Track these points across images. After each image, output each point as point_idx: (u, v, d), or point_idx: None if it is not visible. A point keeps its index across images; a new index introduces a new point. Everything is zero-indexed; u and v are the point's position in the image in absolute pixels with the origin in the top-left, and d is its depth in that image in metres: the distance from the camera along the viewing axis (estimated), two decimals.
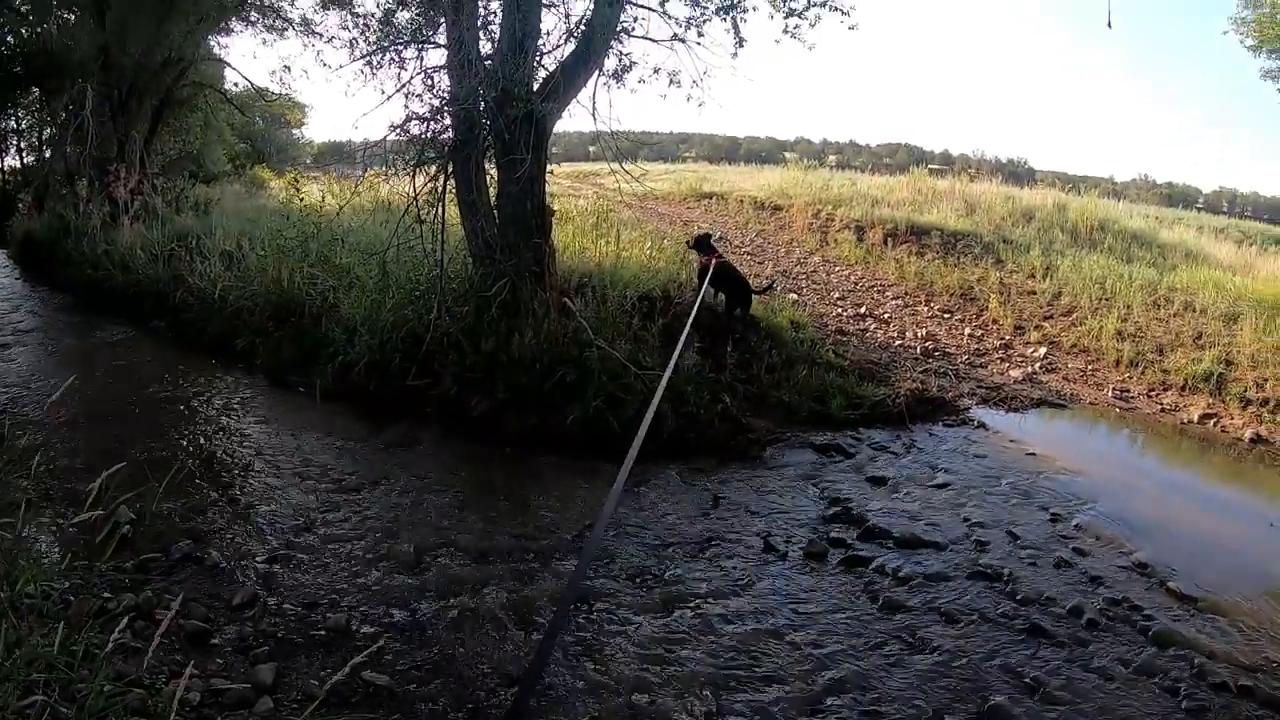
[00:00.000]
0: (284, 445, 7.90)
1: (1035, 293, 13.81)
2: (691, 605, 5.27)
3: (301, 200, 13.50)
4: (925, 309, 13.07)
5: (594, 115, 9.01)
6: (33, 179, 24.31)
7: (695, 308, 7.83)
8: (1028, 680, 4.65)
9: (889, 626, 5.11)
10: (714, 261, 9.27)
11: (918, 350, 11.06)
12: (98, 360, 10.45)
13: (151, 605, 4.91)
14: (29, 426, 7.74)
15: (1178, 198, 45.26)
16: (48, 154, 24.28)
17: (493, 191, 9.06)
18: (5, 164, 27.78)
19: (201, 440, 8.08)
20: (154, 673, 4.15)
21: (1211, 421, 9.52)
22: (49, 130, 23.85)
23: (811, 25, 9.52)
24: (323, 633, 4.89)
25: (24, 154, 27.58)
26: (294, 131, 32.93)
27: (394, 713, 4.18)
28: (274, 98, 21.78)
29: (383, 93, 9.06)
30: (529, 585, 5.44)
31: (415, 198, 8.76)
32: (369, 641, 4.75)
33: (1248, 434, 9.13)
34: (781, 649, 4.83)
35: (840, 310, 12.56)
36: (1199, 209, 40.68)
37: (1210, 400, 10.02)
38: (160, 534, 6.00)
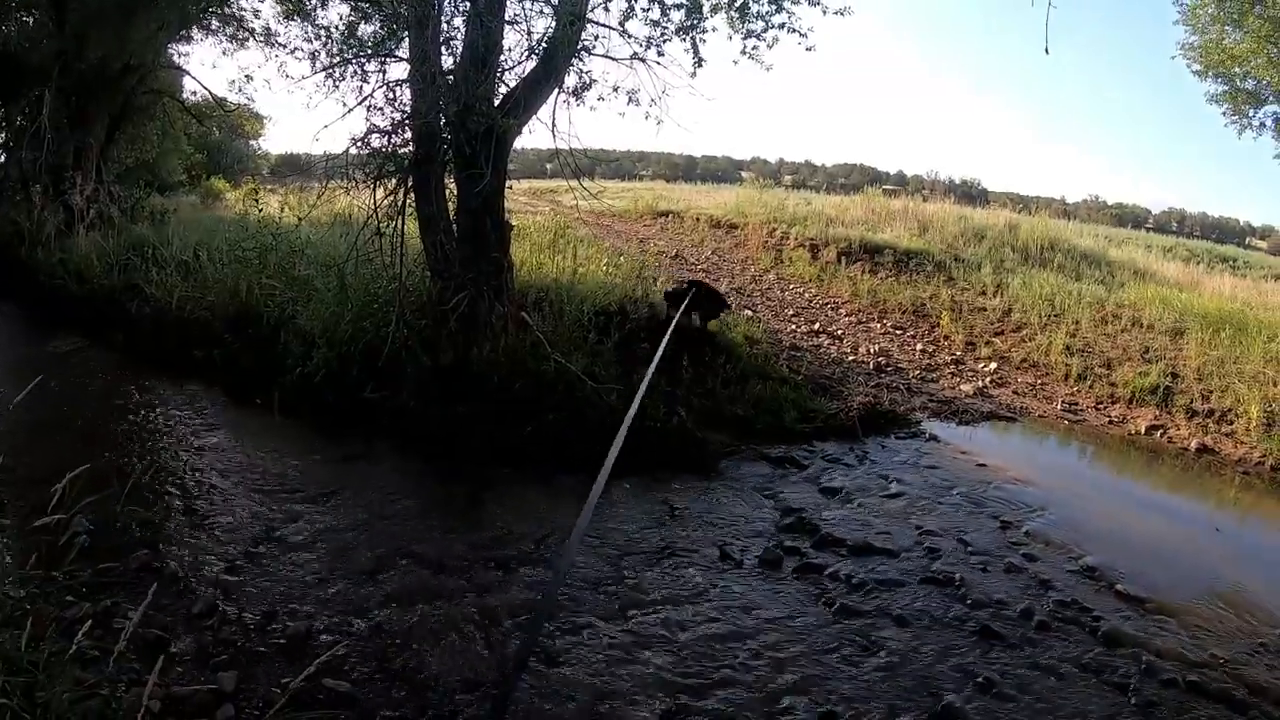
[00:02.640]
0: (242, 457, 7.85)
1: (986, 309, 14.10)
2: (650, 612, 5.37)
3: (260, 211, 13.45)
4: (878, 325, 13.31)
5: (553, 132, 9.12)
6: None
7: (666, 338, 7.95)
8: (980, 680, 4.80)
9: (843, 630, 5.25)
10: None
11: (870, 366, 11.26)
12: (52, 371, 10.27)
13: (110, 614, 4.90)
14: None
15: (1127, 218, 46.31)
16: (1, 159, 23.86)
17: (452, 206, 9.12)
18: None
19: (159, 452, 8.02)
20: (113, 681, 4.13)
21: (1159, 433, 9.80)
22: (3, 135, 23.45)
23: (769, 46, 9.75)
24: (282, 641, 4.92)
25: None
26: (251, 143, 32.61)
27: (357, 718, 4.23)
28: (233, 108, 21.57)
29: (344, 105, 9.07)
30: (488, 594, 5.49)
31: (375, 210, 8.78)
32: (329, 649, 4.81)
33: (1194, 444, 9.43)
34: (739, 653, 4.94)
35: (794, 327, 12.74)
36: (1148, 229, 41.64)
37: (1157, 412, 10.32)
38: (118, 544, 5.96)
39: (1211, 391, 10.51)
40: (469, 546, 6.15)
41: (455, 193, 9.09)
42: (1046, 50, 7.99)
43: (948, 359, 12.09)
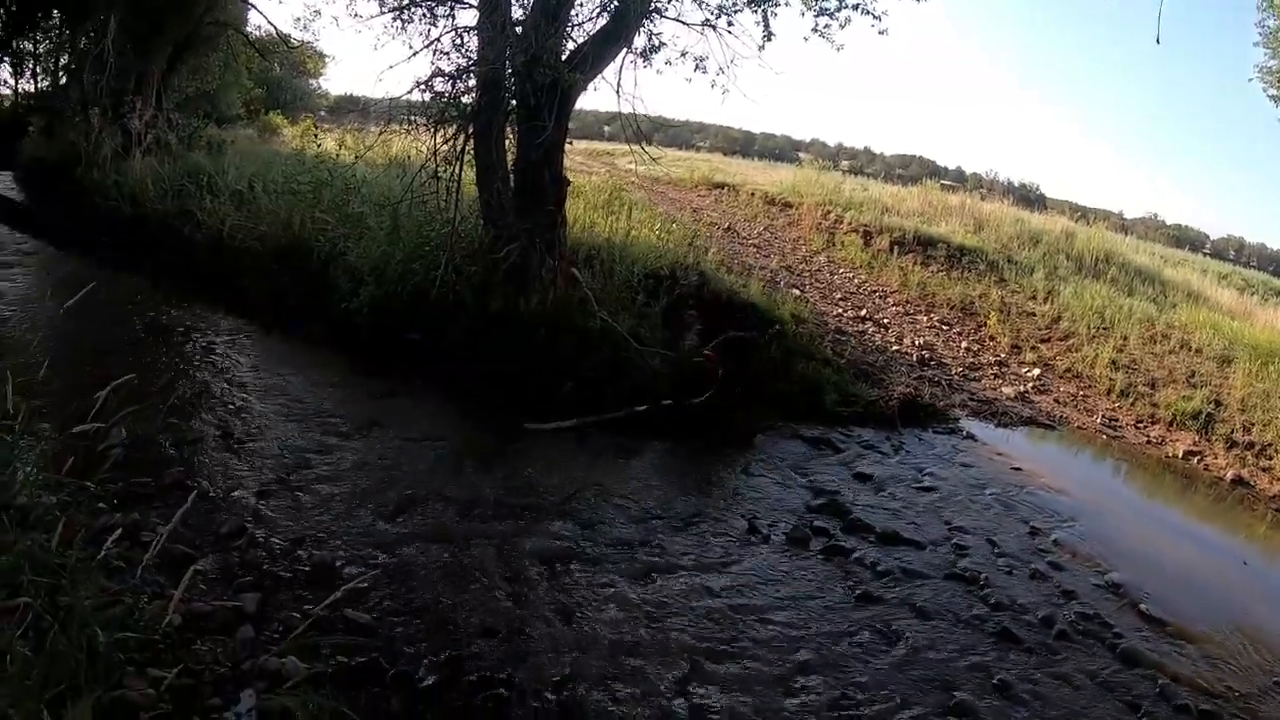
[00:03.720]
0: (282, 386, 7.92)
1: (1035, 314, 13.87)
2: (674, 577, 5.34)
3: (318, 147, 13.47)
4: (925, 319, 13.13)
5: (618, 92, 9.06)
6: (46, 104, 24.19)
7: None
8: (995, 681, 4.73)
9: (864, 616, 5.19)
10: None
11: (914, 358, 11.13)
12: (100, 288, 10.41)
13: (139, 527, 4.96)
14: (24, 345, 7.75)
15: (1185, 239, 45.35)
16: (63, 80, 24.13)
17: (510, 157, 9.08)
18: (20, 87, 27.64)
19: (200, 374, 8.11)
20: (136, 592, 4.16)
21: (1196, 459, 9.61)
22: (67, 57, 23.68)
23: (841, 26, 9.60)
24: (307, 568, 4.95)
25: (39, 79, 27.42)
26: (312, 81, 32.71)
27: (373, 650, 4.22)
28: (296, 45, 21.62)
29: (410, 48, 9.11)
30: (513, 542, 5.49)
31: (434, 154, 8.77)
32: (353, 581, 4.82)
33: (1229, 474, 9.23)
34: (758, 626, 4.90)
35: (841, 311, 12.61)
36: (1205, 253, 40.76)
37: (1196, 438, 10.11)
38: (153, 460, 6.05)
39: (1254, 424, 10.27)
40: (498, 493, 6.16)
41: (515, 143, 9.03)
42: (1158, 40, 7.79)
43: (992, 360, 11.92)
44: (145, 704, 3.51)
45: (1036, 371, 11.64)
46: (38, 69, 27.28)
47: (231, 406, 7.40)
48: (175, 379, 7.94)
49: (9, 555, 3.21)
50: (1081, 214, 24.36)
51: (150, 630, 3.90)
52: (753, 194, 20.18)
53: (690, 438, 7.58)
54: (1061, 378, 11.64)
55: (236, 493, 5.82)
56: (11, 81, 27.27)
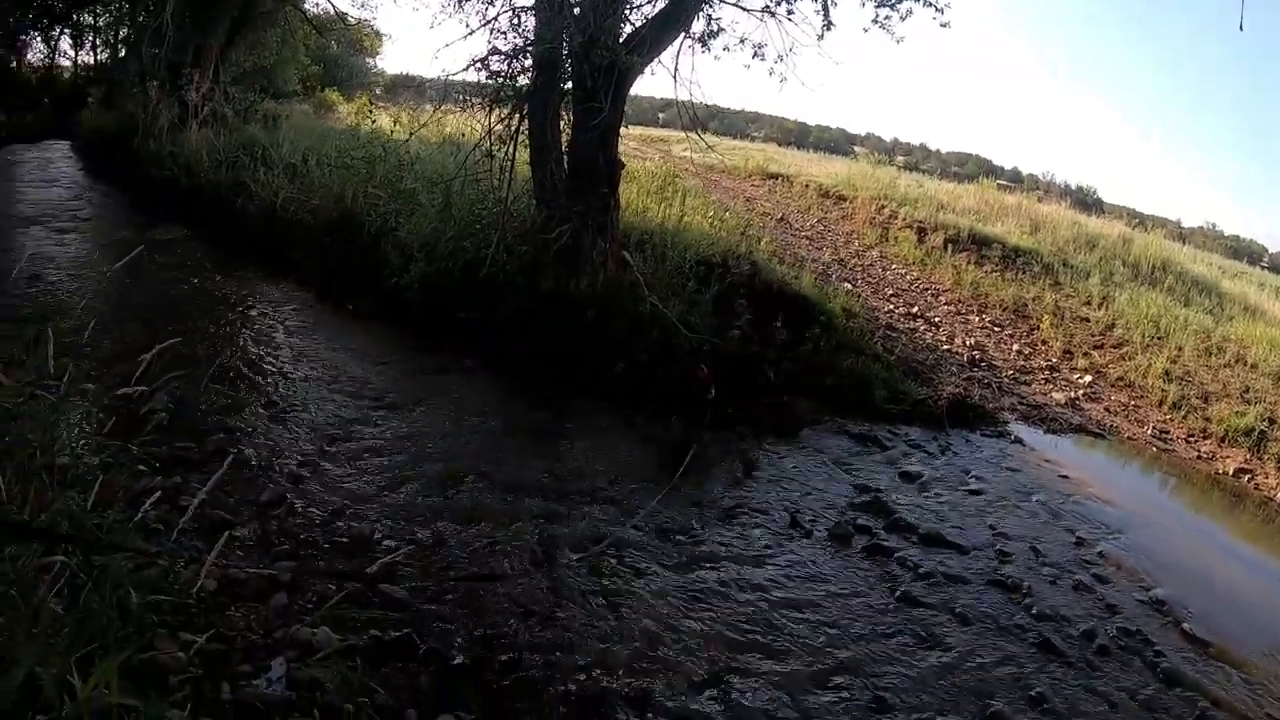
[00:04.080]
0: (327, 357, 7.99)
1: (1089, 320, 13.58)
2: (714, 567, 5.29)
3: (372, 123, 13.56)
4: (977, 319, 12.90)
5: (675, 76, 8.96)
6: (105, 76, 24.64)
7: None
8: (1033, 693, 4.62)
9: (903, 618, 5.10)
10: None
11: (964, 358, 10.94)
12: (153, 255, 10.55)
13: (179, 491, 5.00)
14: (71, 307, 7.85)
15: (1243, 251, 44.27)
16: (122, 53, 24.56)
17: (565, 138, 9.05)
18: (79, 59, 28.22)
19: (246, 343, 8.20)
20: (173, 555, 4.20)
21: (1246, 477, 9.32)
22: (126, 30, 24.08)
23: (902, 18, 9.39)
24: (345, 540, 4.97)
25: (98, 50, 27.97)
26: (368, 60, 33.00)
27: (407, 625, 4.23)
28: (353, 23, 21.81)
29: (467, 26, 9.04)
30: (553, 525, 5.48)
31: (488, 133, 8.76)
32: (390, 554, 4.82)
33: None
34: (796, 622, 4.84)
35: (892, 307, 12.43)
36: (1264, 266, 39.78)
37: (1248, 456, 9.81)
38: (197, 425, 6.13)
39: None
40: (541, 475, 6.15)
41: (570, 125, 8.99)
42: (1241, 27, 7.58)
43: (1043, 364, 11.69)
44: (175, 667, 3.54)
45: (1088, 378, 11.39)
46: (97, 41, 27.92)
47: (278, 376, 7.48)
48: (222, 346, 8.03)
49: (47, 513, 3.24)
50: (1139, 220, 23.87)
51: (184, 594, 3.93)
52: (807, 185, 19.95)
53: (736, 426, 7.51)
54: (1113, 386, 11.38)
55: (278, 461, 5.88)
56: (71, 54, 27.91)
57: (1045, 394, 10.54)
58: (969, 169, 38.60)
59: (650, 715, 3.91)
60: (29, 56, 27.13)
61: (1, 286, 8.75)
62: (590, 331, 8.08)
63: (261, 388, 7.20)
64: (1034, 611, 5.45)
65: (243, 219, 12.09)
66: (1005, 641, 5.08)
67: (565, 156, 8.97)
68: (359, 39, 27.89)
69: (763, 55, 9.34)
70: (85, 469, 3.87)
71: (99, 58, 27.80)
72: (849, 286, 12.43)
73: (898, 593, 5.37)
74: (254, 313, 9.25)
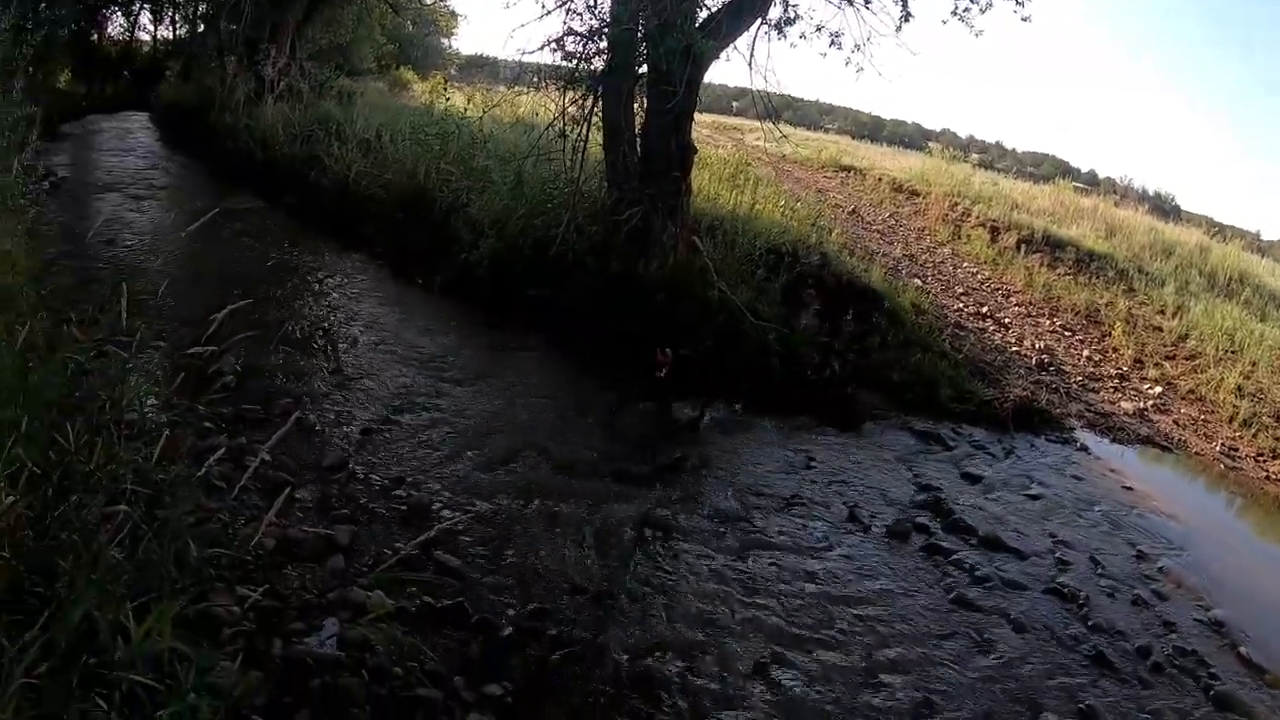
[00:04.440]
0: (396, 329, 8.11)
1: (1161, 329, 13.22)
2: (769, 557, 5.26)
3: (447, 101, 13.68)
4: (1047, 322, 12.65)
5: (750, 64, 8.89)
6: (183, 50, 25.22)
7: None
8: (1082, 706, 4.50)
9: (957, 620, 5.02)
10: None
11: (1033, 361, 10.73)
12: (226, 224, 10.78)
13: (243, 451, 5.10)
14: (146, 269, 8.05)
15: None
16: (200, 28, 25.13)
17: (638, 121, 9.02)
18: (159, 34, 28.93)
19: (316, 310, 8.37)
20: (233, 512, 4.32)
21: None
22: (205, 5, 24.59)
23: (982, 10, 9.17)
24: (404, 508, 5.05)
25: (177, 25, 28.64)
26: (443, 39, 33.30)
27: (460, 594, 4.28)
28: (429, 2, 21.97)
29: (543, 6, 9.06)
30: (610, 505, 5.50)
31: (562, 113, 8.79)
32: (447, 524, 4.88)
33: None
34: (847, 617, 4.79)
35: (962, 305, 12.23)
36: None
37: None
38: (263, 388, 6.28)
39: None
40: (601, 455, 6.18)
41: (644, 108, 8.97)
42: None
43: (1113, 372, 11.41)
44: (229, 620, 3.63)
45: (1158, 389, 11.10)
46: (176, 17, 28.52)
47: (346, 344, 7.61)
48: (293, 312, 8.21)
49: (113, 465, 3.31)
50: (1217, 229, 23.10)
51: (242, 550, 4.02)
52: (880, 179, 19.71)
53: (799, 415, 7.48)
54: (1183, 399, 11.06)
55: (342, 428, 5.99)
56: (151, 28, 28.62)
57: (1113, 403, 10.30)
58: (1045, 169, 37.60)
59: (696, 699, 3.91)
60: (109, 30, 27.82)
61: (79, 249, 9.03)
62: (658, 315, 8.07)
63: (329, 355, 7.33)
64: (1090, 623, 5.31)
65: (316, 192, 12.32)
66: (1058, 651, 4.97)
67: (638, 139, 8.94)
68: (434, 18, 28.11)
69: (839, 44, 9.20)
70: (152, 425, 3.96)
71: (177, 32, 28.44)
72: (919, 282, 12.27)
73: (953, 594, 5.28)
74: (325, 282, 9.41)
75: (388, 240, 10.39)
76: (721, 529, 5.47)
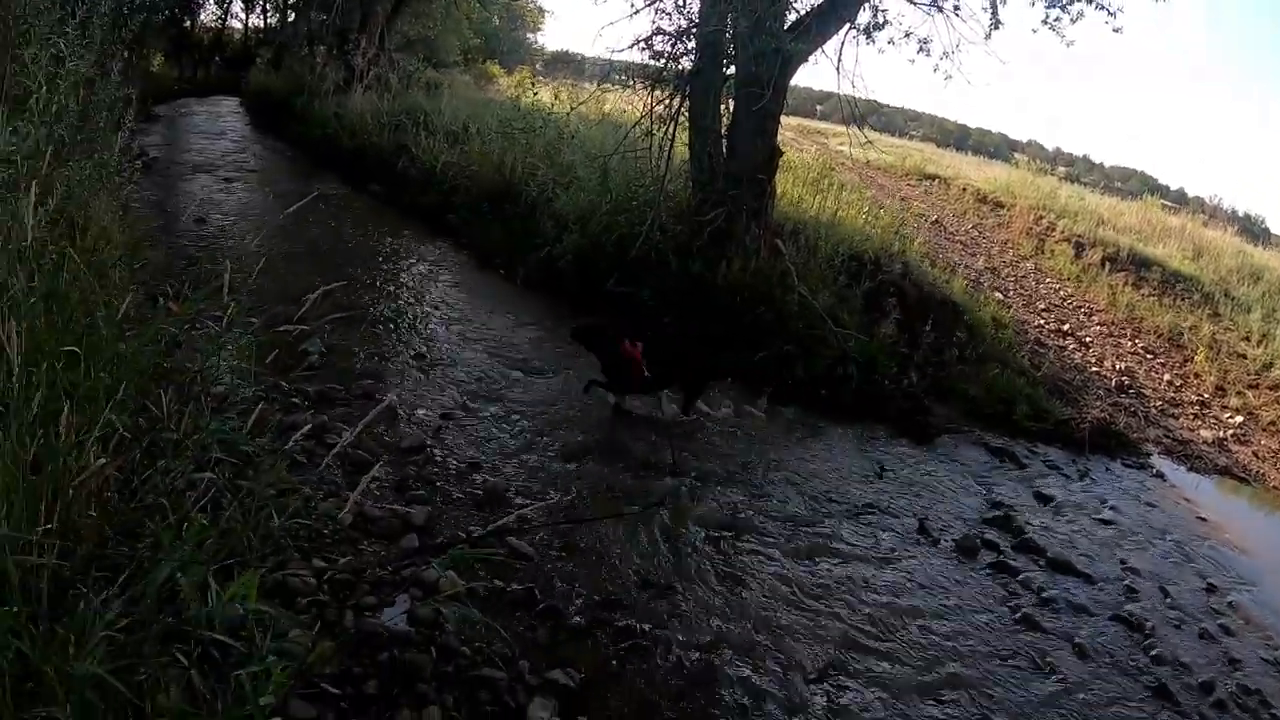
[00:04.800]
0: (478, 317, 8.29)
1: (1246, 357, 12.82)
2: (836, 563, 5.27)
3: (535, 95, 13.85)
4: (1129, 343, 12.37)
5: (838, 68, 8.88)
6: (273, 39, 25.91)
7: None
8: None
9: (1021, 641, 4.95)
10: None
11: (1112, 383, 10.52)
12: (314, 208, 11.08)
13: (325, 429, 5.32)
14: (240, 249, 8.31)
15: None
16: (291, 17, 25.80)
17: (724, 122, 9.07)
18: (251, 22, 29.80)
19: (401, 296, 8.59)
20: (314, 487, 4.47)
21: None
22: None
23: (1073, 20, 9.02)
24: (479, 493, 5.16)
25: (267, 14, 29.49)
26: (528, 35, 33.63)
27: (530, 580, 4.37)
28: None
29: (632, 5, 9.16)
30: (685, 501, 5.58)
31: (650, 111, 8.87)
32: (521, 510, 4.99)
33: None
34: (912, 629, 4.77)
35: (1043, 322, 12.02)
36: None
37: None
38: (346, 369, 6.50)
39: None
40: (677, 453, 6.17)
41: (730, 109, 9.01)
42: None
43: (1193, 398, 11.12)
44: (305, 590, 3.78)
45: (1239, 419, 10.78)
46: (267, 6, 29.38)
47: (428, 329, 7.81)
48: (378, 296, 8.44)
49: (201, 434, 3.42)
50: None
51: (320, 523, 4.22)
52: (964, 189, 19.47)
53: (874, 425, 7.47)
54: (1265, 430, 10.71)
55: (421, 411, 6.16)
56: (242, 16, 29.53)
57: (1193, 430, 10.04)
58: (1132, 185, 36.59)
59: (758, 700, 3.94)
60: (202, 17, 28.73)
61: (172, 227, 9.38)
62: (735, 316, 8.14)
63: (412, 339, 7.53)
64: (1154, 653, 5.17)
65: (403, 181, 12.60)
66: (1121, 680, 4.86)
67: (724, 140, 8.99)
68: (521, 13, 28.46)
69: (928, 50, 9.14)
70: (239, 398, 4.11)
71: (268, 21, 29.33)
72: (1000, 296, 12.09)
73: (1018, 614, 5.21)
74: (411, 269, 9.65)
75: (473, 231, 10.59)
76: (791, 532, 5.49)
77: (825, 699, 4.05)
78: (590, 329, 6.75)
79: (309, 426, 4.52)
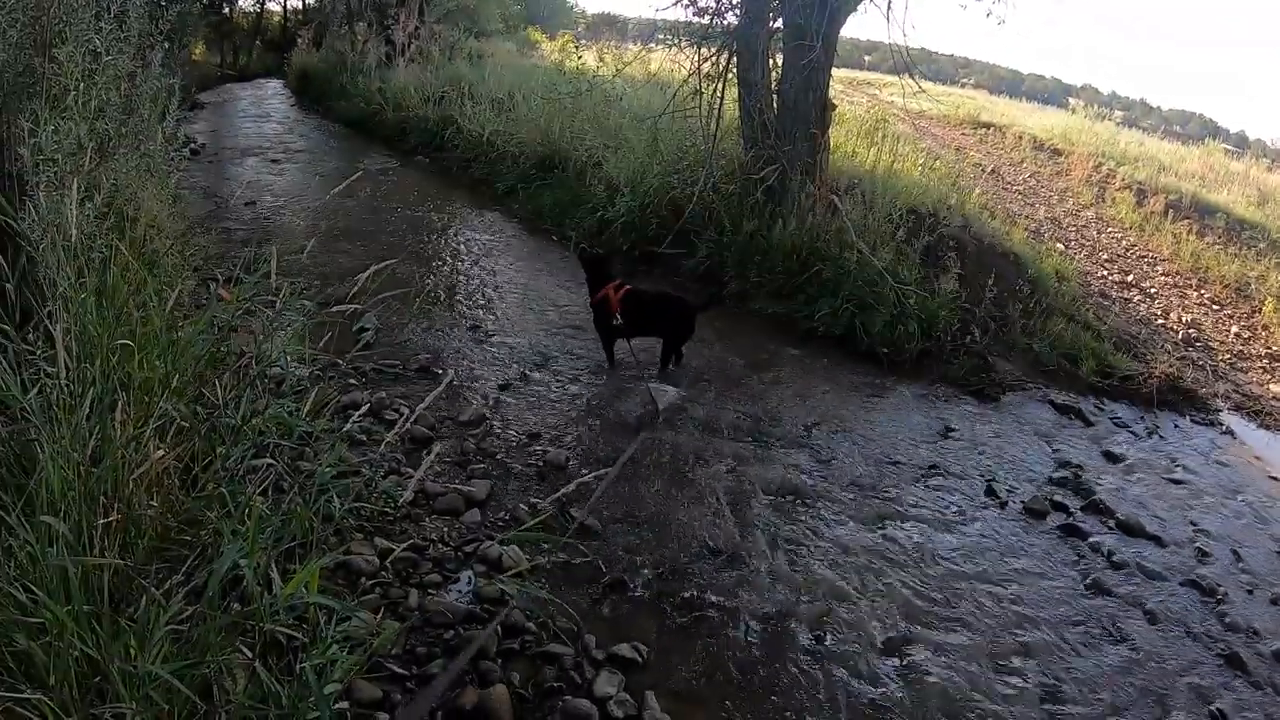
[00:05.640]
0: (531, 286, 8.28)
1: None
2: (902, 527, 5.15)
3: (580, 59, 13.75)
4: (1194, 294, 12.01)
5: (888, 16, 8.65)
6: (312, 19, 26.11)
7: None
8: (1212, 709, 4.21)
9: (1091, 606, 4.79)
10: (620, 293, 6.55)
11: (1179, 335, 10.22)
12: (363, 183, 11.13)
13: (383, 405, 5.37)
14: (291, 229, 8.35)
15: None
16: None
17: (774, 77, 8.89)
18: (289, 3, 30.08)
19: (453, 268, 8.60)
20: (374, 466, 4.53)
21: None
22: None
23: None
24: (540, 464, 5.14)
25: None
26: None
27: (595, 552, 4.34)
28: None
29: None
30: (747, 467, 5.48)
31: (697, 69, 8.73)
32: (584, 481, 4.94)
33: None
34: (980, 595, 4.64)
35: (1105, 273, 11.71)
36: None
37: None
38: (401, 344, 6.54)
39: None
40: (739, 415, 6.16)
41: (779, 63, 8.84)
42: None
43: (1263, 351, 10.76)
44: (368, 570, 3.79)
45: None
46: None
47: (482, 301, 7.79)
48: (430, 269, 8.46)
49: (258, 419, 3.43)
50: None
51: (381, 503, 4.21)
52: (1020, 137, 19.07)
53: (937, 383, 7.34)
54: None
55: (478, 383, 6.14)
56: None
57: (1262, 385, 9.71)
58: (1191, 129, 35.45)
59: (828, 670, 3.86)
60: (240, 3, 29.09)
61: (221, 211, 9.48)
62: (792, 275, 8.05)
63: (466, 311, 7.53)
64: (1226, 620, 4.96)
65: (450, 151, 12.61)
66: (1193, 648, 4.67)
67: (774, 96, 8.80)
68: None
69: None
70: (296, 380, 4.10)
71: (306, 2, 29.56)
72: (1061, 247, 11.80)
73: (1088, 579, 5.04)
74: (462, 240, 9.65)
75: (522, 199, 10.58)
76: (857, 497, 5.39)
77: (895, 669, 3.97)
78: (589, 259, 6.74)
79: (367, 406, 4.53)
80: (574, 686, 3.46)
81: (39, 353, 3.08)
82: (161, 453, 2.87)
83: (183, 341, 3.56)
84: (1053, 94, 40.94)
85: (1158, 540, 5.69)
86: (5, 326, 3.11)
